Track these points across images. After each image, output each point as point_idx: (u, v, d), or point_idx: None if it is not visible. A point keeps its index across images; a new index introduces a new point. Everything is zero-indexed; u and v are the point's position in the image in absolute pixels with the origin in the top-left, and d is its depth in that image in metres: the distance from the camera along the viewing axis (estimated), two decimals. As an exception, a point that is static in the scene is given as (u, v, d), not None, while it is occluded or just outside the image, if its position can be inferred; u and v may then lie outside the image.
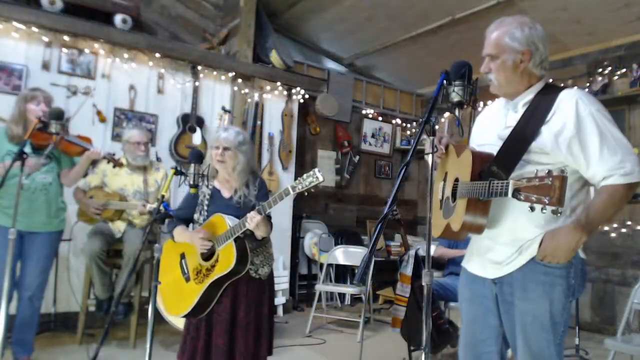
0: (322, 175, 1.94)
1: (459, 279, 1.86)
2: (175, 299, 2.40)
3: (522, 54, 1.59)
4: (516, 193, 1.25)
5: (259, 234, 2.23)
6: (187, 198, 2.53)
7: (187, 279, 2.38)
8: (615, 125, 1.51)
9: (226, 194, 2.43)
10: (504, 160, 1.55)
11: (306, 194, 2.03)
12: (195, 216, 2.46)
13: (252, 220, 2.13)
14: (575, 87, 1.65)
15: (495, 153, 1.59)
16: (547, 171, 1.19)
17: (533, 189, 1.19)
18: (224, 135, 2.38)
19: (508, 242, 1.60)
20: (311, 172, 1.97)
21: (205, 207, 2.42)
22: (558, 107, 1.54)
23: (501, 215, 1.60)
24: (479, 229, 1.57)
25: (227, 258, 2.22)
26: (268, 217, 2.33)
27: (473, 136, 1.86)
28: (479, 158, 1.57)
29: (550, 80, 1.73)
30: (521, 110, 1.63)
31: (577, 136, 1.49)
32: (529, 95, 1.63)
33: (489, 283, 1.68)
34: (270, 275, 2.46)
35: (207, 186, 2.45)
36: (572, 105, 1.52)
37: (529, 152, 1.54)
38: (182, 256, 2.46)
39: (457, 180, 1.66)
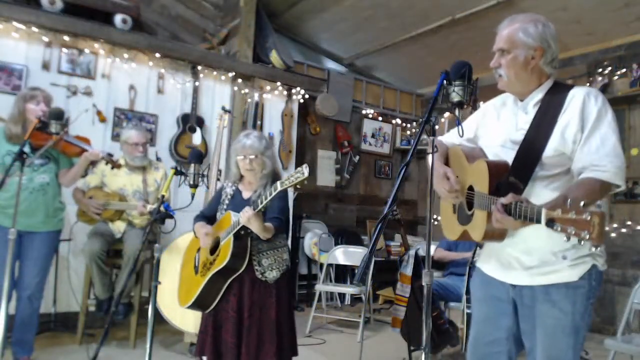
0: (307, 170, 1.99)
1: (472, 280, 1.84)
2: (185, 290, 2.49)
3: (535, 50, 1.58)
4: (551, 223, 1.19)
5: (253, 229, 2.23)
6: (215, 197, 2.63)
7: (196, 272, 2.46)
8: (615, 131, 1.49)
9: (246, 195, 2.47)
10: (520, 167, 1.53)
11: (294, 190, 2.08)
12: (217, 215, 2.52)
13: (244, 214, 2.17)
14: (587, 85, 1.63)
15: (510, 160, 1.56)
16: (582, 204, 1.13)
17: (570, 222, 1.13)
18: (249, 143, 2.40)
19: (527, 250, 1.58)
20: (298, 169, 2.01)
21: (225, 207, 2.48)
22: (569, 106, 1.53)
23: None
24: (500, 237, 1.55)
25: (224, 252, 2.28)
26: (279, 219, 2.35)
27: (479, 134, 1.80)
28: (494, 169, 1.52)
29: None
30: (532, 112, 1.61)
31: (580, 131, 1.48)
32: (538, 95, 1.61)
33: (508, 286, 1.65)
34: (280, 280, 2.40)
35: (231, 187, 2.53)
36: (580, 101, 1.51)
37: (544, 156, 1.52)
38: (198, 250, 2.54)
39: (470, 188, 1.63)
